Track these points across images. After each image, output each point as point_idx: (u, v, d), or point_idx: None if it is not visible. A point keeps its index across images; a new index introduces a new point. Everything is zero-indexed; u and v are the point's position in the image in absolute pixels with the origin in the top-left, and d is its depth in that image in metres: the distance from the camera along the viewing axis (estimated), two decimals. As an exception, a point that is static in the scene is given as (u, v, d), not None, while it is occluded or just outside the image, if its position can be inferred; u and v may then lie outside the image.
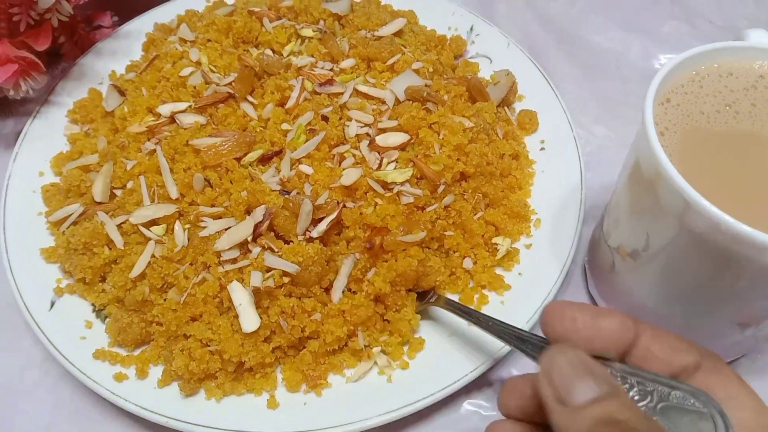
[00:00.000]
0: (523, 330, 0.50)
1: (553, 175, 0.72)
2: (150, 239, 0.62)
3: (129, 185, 0.66)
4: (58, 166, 0.72)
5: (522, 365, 0.64)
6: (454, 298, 0.64)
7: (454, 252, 0.65)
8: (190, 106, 0.69)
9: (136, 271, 0.61)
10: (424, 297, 0.63)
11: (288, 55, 0.74)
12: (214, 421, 0.56)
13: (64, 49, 0.82)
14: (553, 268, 0.65)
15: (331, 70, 0.72)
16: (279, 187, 0.63)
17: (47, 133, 0.75)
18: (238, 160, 0.65)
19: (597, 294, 0.67)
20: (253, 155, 0.65)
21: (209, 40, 0.76)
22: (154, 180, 0.64)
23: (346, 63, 0.73)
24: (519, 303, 0.63)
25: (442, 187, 0.64)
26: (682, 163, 0.48)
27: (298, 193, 0.62)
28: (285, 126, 0.67)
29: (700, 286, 0.52)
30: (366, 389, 0.59)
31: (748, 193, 0.48)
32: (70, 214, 0.66)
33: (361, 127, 0.67)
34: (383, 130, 0.66)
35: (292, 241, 0.60)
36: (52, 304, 0.63)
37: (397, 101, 0.69)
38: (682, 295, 0.55)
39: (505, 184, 0.70)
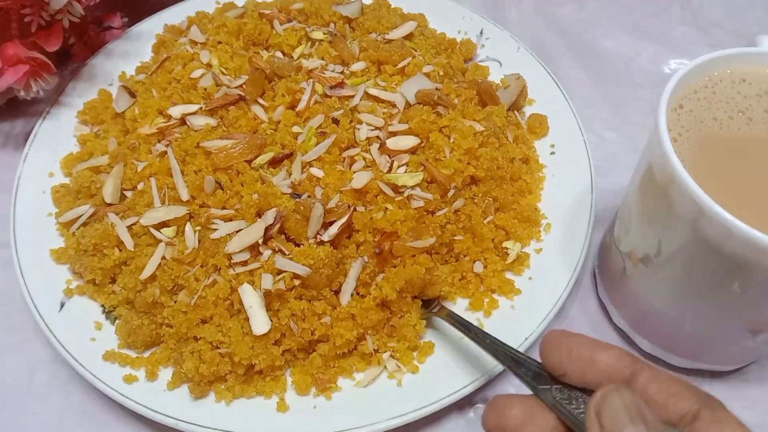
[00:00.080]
0: (519, 352, 0.50)
1: (564, 179, 0.72)
2: (160, 241, 0.62)
3: (139, 187, 0.66)
4: (68, 167, 0.72)
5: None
6: (464, 302, 0.64)
7: (464, 256, 0.65)
8: (200, 108, 0.69)
9: (146, 273, 0.60)
10: (429, 305, 0.63)
11: (298, 58, 0.74)
12: (224, 424, 0.56)
13: (74, 50, 0.82)
14: (563, 273, 0.65)
15: (342, 73, 0.72)
16: (290, 190, 0.63)
17: (57, 134, 0.75)
18: (249, 162, 0.65)
19: (607, 299, 0.67)
20: (263, 158, 0.65)
21: (220, 42, 0.76)
22: (164, 182, 0.64)
23: (357, 66, 0.73)
24: (529, 307, 0.63)
25: (452, 191, 0.64)
26: (695, 169, 0.48)
27: (309, 197, 0.62)
28: (296, 129, 0.67)
29: (712, 292, 0.52)
30: (376, 393, 0.59)
31: (761, 200, 0.48)
32: (81, 215, 0.66)
33: (372, 130, 0.67)
34: (394, 134, 0.66)
35: (302, 244, 0.60)
36: (62, 305, 0.63)
37: (408, 104, 0.69)
38: (693, 301, 0.55)
39: (516, 188, 0.70)
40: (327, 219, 0.60)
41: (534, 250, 0.67)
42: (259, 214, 0.61)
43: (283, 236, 0.61)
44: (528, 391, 0.46)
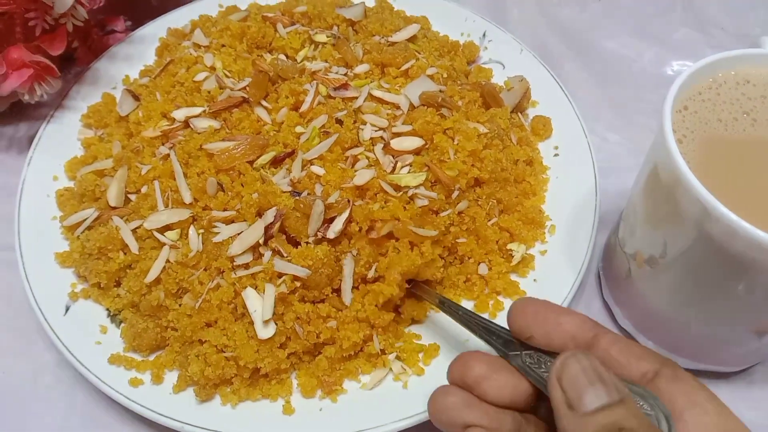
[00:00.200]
0: (490, 321, 0.51)
1: (567, 181, 0.72)
2: (164, 244, 0.62)
3: (143, 190, 0.66)
4: (72, 170, 0.72)
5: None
6: (469, 304, 0.64)
7: (469, 258, 0.65)
8: (204, 111, 0.69)
9: (151, 276, 0.60)
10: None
11: (302, 61, 0.74)
12: (230, 427, 0.56)
13: (78, 54, 0.82)
14: (567, 275, 0.65)
15: (345, 75, 0.72)
16: (290, 189, 0.63)
17: (61, 138, 0.75)
18: (251, 163, 0.65)
19: (612, 300, 0.67)
20: (265, 158, 0.65)
21: (223, 45, 0.76)
22: (168, 185, 0.64)
23: (360, 68, 0.73)
24: (534, 309, 0.63)
25: (456, 193, 0.64)
26: (701, 170, 0.48)
27: (308, 194, 0.62)
28: (299, 129, 0.67)
29: (718, 293, 0.52)
30: (382, 395, 0.59)
31: (767, 200, 0.48)
32: (85, 219, 0.66)
33: (376, 131, 0.67)
34: (398, 135, 0.66)
35: (302, 243, 0.60)
36: (67, 309, 0.63)
37: (412, 107, 0.69)
38: (698, 302, 0.55)
39: (519, 190, 0.70)
40: (327, 215, 0.60)
41: (538, 252, 0.67)
42: (259, 214, 0.61)
43: (283, 236, 0.61)
44: None
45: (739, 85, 0.54)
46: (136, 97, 0.74)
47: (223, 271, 0.60)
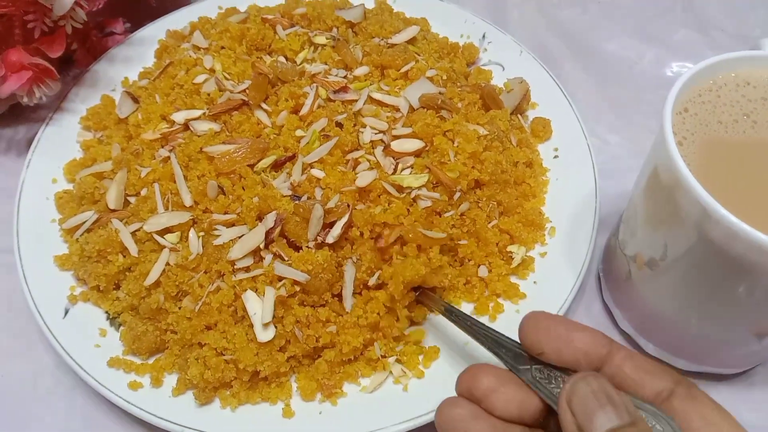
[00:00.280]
0: (500, 333, 0.50)
1: (567, 183, 0.72)
2: (164, 247, 0.62)
3: (143, 193, 0.66)
4: (71, 173, 0.72)
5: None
6: (469, 306, 0.64)
7: (469, 260, 0.65)
8: (204, 114, 0.69)
9: (150, 279, 0.60)
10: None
11: (301, 63, 0.74)
12: (230, 430, 0.57)
13: (76, 56, 0.82)
14: (568, 277, 0.64)
15: (345, 77, 0.72)
16: (290, 192, 0.63)
17: (60, 140, 0.75)
18: (252, 166, 0.65)
19: (612, 302, 0.67)
20: (266, 161, 0.65)
21: (223, 47, 0.76)
22: (168, 187, 0.64)
23: (360, 70, 0.73)
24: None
25: (458, 195, 0.64)
26: (701, 172, 0.48)
27: (308, 198, 0.62)
28: (299, 132, 0.67)
29: (718, 295, 0.52)
30: (382, 398, 0.59)
31: (767, 202, 0.48)
32: (84, 222, 0.66)
33: (376, 133, 0.67)
34: (398, 137, 0.66)
35: (302, 248, 0.60)
36: (66, 312, 0.63)
37: (411, 109, 0.69)
38: (699, 304, 0.55)
39: (519, 192, 0.70)
40: (327, 220, 0.60)
41: (539, 254, 0.67)
42: (260, 218, 0.61)
43: (284, 240, 0.60)
44: None
45: (740, 87, 0.54)
46: (136, 100, 0.74)
47: (224, 274, 0.60)
